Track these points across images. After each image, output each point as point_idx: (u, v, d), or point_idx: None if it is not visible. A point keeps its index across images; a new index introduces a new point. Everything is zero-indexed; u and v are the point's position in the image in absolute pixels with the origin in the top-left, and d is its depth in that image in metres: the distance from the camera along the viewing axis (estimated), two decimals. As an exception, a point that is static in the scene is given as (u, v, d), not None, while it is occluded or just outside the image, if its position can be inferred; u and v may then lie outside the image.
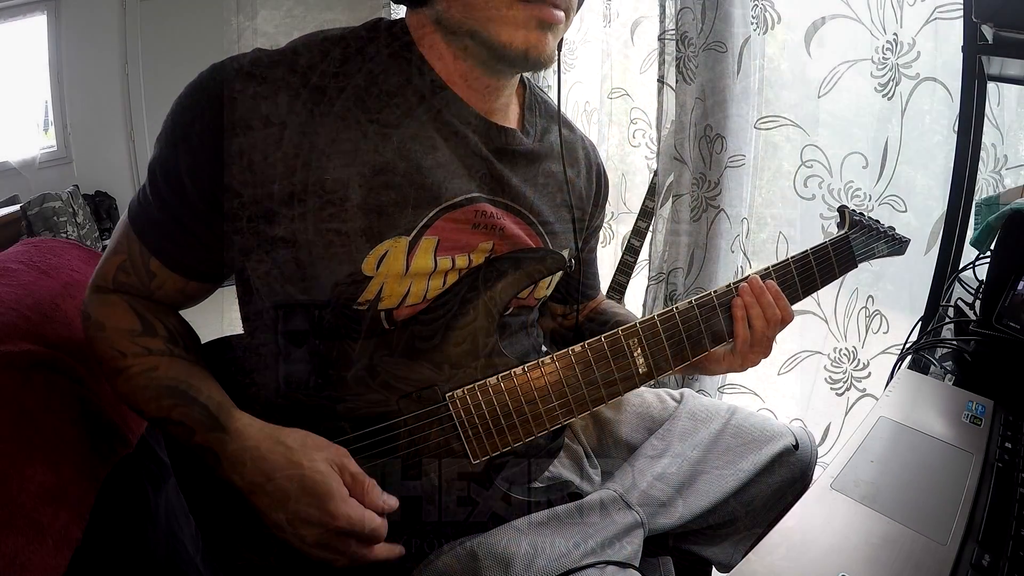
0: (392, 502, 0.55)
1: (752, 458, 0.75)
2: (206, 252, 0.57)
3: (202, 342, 0.64)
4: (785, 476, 0.77)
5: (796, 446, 0.78)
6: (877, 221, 0.82)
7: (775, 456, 0.76)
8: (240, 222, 0.55)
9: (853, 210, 0.81)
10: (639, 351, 0.63)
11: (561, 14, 0.55)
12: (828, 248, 0.74)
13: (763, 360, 0.71)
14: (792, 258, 0.71)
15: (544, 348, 0.80)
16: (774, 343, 0.69)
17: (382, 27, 0.61)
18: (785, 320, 0.67)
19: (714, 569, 0.82)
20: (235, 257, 0.60)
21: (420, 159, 0.57)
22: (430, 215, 0.58)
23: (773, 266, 0.70)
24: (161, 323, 0.58)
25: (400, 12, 0.62)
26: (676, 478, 0.72)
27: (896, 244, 0.84)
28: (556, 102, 0.70)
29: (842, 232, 0.78)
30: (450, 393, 0.59)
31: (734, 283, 0.67)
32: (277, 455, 0.52)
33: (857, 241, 0.78)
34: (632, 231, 1.65)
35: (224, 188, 0.53)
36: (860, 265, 0.80)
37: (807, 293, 0.73)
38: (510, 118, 0.66)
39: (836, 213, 1.35)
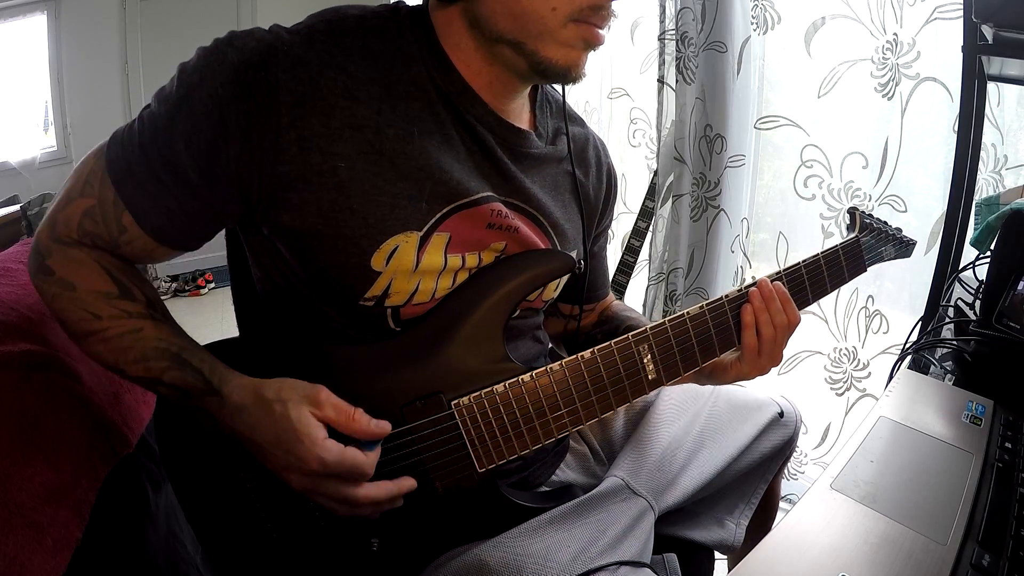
0: (384, 426, 0.54)
1: (746, 427, 0.80)
2: (186, 222, 0.54)
3: (200, 344, 0.62)
4: (776, 441, 0.82)
5: (781, 414, 0.83)
6: (885, 222, 0.80)
7: (767, 423, 0.81)
8: (233, 202, 0.54)
9: (864, 212, 0.78)
10: (649, 357, 0.61)
11: (605, 35, 0.55)
12: (839, 252, 0.72)
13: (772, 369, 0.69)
14: (803, 262, 0.69)
15: (550, 346, 0.79)
16: (783, 351, 0.67)
17: (403, 12, 0.58)
18: (792, 324, 0.66)
19: (715, 570, 0.82)
20: (239, 251, 0.58)
21: (438, 155, 0.56)
22: (444, 211, 0.57)
23: (784, 270, 0.68)
24: (138, 288, 0.56)
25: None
26: (681, 453, 0.74)
27: (903, 247, 0.82)
28: (563, 102, 0.70)
29: (852, 235, 0.75)
30: (456, 401, 0.57)
31: (746, 287, 0.65)
32: (256, 408, 0.52)
33: (866, 244, 0.76)
34: (632, 231, 1.65)
35: (222, 163, 0.51)
36: (861, 266, 0.79)
37: (817, 298, 0.71)
38: (523, 118, 0.65)
39: (836, 213, 1.36)
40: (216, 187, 0.52)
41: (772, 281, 0.65)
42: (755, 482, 0.83)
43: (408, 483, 0.56)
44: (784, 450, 0.84)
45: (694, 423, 0.78)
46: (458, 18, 0.56)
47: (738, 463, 0.78)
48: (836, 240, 1.37)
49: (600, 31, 0.54)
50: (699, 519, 0.79)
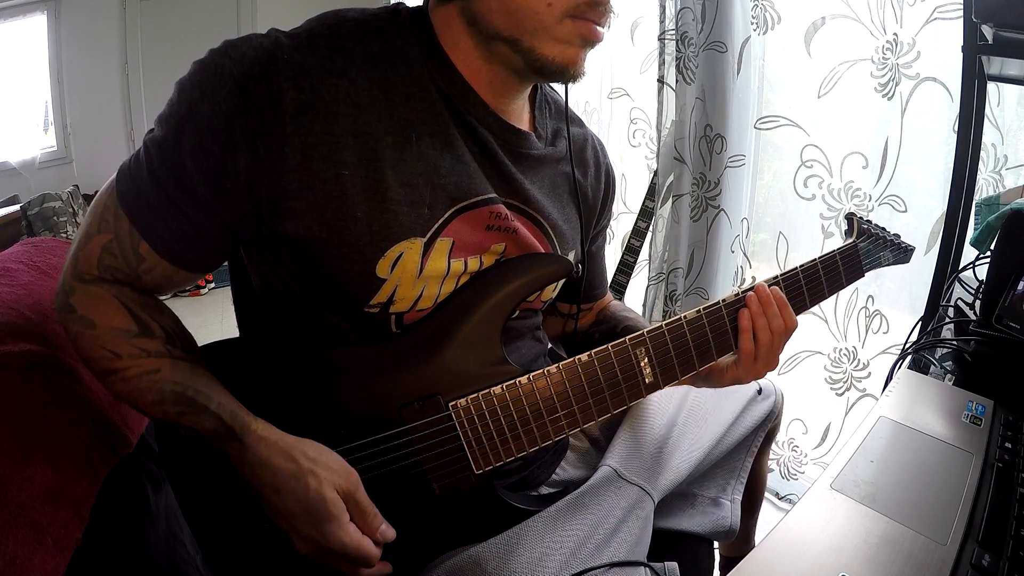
0: (390, 534, 0.55)
1: (729, 405, 0.82)
2: (203, 242, 0.54)
3: (198, 345, 0.61)
4: (758, 415, 0.85)
5: (760, 391, 0.86)
6: (884, 228, 0.80)
7: (748, 400, 0.85)
8: (247, 216, 0.54)
9: (861, 218, 0.78)
10: (646, 360, 0.61)
11: (604, 32, 0.55)
12: (836, 257, 0.72)
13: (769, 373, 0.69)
14: (801, 267, 0.69)
15: (550, 346, 0.79)
16: (780, 356, 0.67)
17: (403, 14, 0.58)
18: (789, 330, 0.65)
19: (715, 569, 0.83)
20: (238, 252, 0.58)
21: (438, 158, 0.56)
22: (446, 215, 0.57)
23: (781, 275, 0.67)
24: (157, 323, 0.56)
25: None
26: (671, 438, 0.75)
27: (902, 252, 0.82)
28: (564, 102, 0.70)
29: (850, 241, 0.75)
30: (453, 402, 0.57)
31: (743, 291, 0.64)
32: (287, 471, 0.52)
33: (864, 250, 0.76)
34: (632, 231, 1.65)
35: (232, 176, 0.51)
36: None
37: (814, 303, 0.71)
38: (523, 119, 0.65)
39: (836, 213, 1.36)
40: (228, 202, 0.52)
41: (769, 286, 0.65)
42: (742, 456, 0.85)
43: (388, 569, 0.57)
44: (767, 422, 0.86)
45: (680, 407, 0.80)
46: (456, 16, 0.56)
47: (725, 440, 0.80)
48: (836, 240, 1.38)
49: (599, 28, 0.54)
50: (695, 503, 0.80)
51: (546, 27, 0.52)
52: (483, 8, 0.53)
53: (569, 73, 0.55)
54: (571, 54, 0.54)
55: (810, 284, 0.69)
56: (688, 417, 0.80)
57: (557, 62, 0.54)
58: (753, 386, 0.86)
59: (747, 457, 0.85)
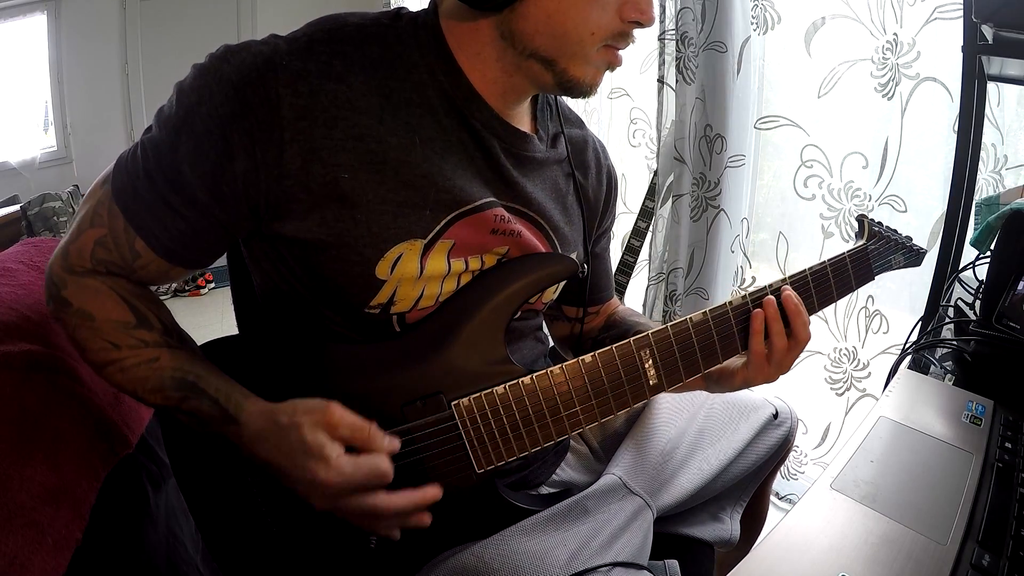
0: (395, 444, 0.53)
1: (743, 429, 0.80)
2: (199, 241, 0.55)
3: (199, 343, 0.62)
4: (772, 443, 0.82)
5: (776, 415, 0.83)
6: (895, 230, 0.78)
7: (762, 426, 0.82)
8: (244, 218, 0.54)
9: (872, 220, 0.76)
10: (650, 362, 0.61)
11: (622, 58, 0.58)
12: (846, 260, 0.70)
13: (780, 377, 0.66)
14: (809, 269, 0.67)
15: (551, 345, 0.79)
16: (793, 363, 0.64)
17: (405, 19, 0.58)
18: (807, 340, 0.63)
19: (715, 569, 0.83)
20: (238, 253, 0.58)
21: (441, 162, 0.56)
22: (448, 218, 0.57)
23: (790, 277, 0.65)
24: (154, 315, 0.56)
25: (401, 3, 0.61)
26: (679, 454, 0.74)
27: (913, 255, 0.79)
28: (562, 105, 0.70)
29: (860, 243, 0.73)
30: (456, 401, 0.57)
31: (751, 296, 0.63)
32: (274, 437, 0.51)
33: (875, 252, 0.74)
34: (632, 231, 1.65)
35: (229, 181, 0.51)
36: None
37: (823, 306, 0.69)
38: (525, 121, 0.65)
39: (836, 213, 1.36)
40: (225, 205, 0.53)
41: (782, 286, 0.63)
42: (750, 484, 0.84)
43: (432, 492, 0.55)
44: (780, 451, 0.84)
45: (691, 423, 0.79)
46: (489, 29, 0.56)
47: (736, 465, 0.78)
48: (836, 240, 1.38)
49: (620, 53, 0.57)
50: (695, 515, 0.80)
51: (584, 53, 0.54)
52: (526, 28, 0.54)
53: (591, 92, 0.58)
54: (596, 76, 0.57)
55: (819, 287, 0.68)
56: (699, 434, 0.78)
57: (585, 82, 0.56)
58: (769, 408, 0.83)
59: (754, 485, 0.84)
